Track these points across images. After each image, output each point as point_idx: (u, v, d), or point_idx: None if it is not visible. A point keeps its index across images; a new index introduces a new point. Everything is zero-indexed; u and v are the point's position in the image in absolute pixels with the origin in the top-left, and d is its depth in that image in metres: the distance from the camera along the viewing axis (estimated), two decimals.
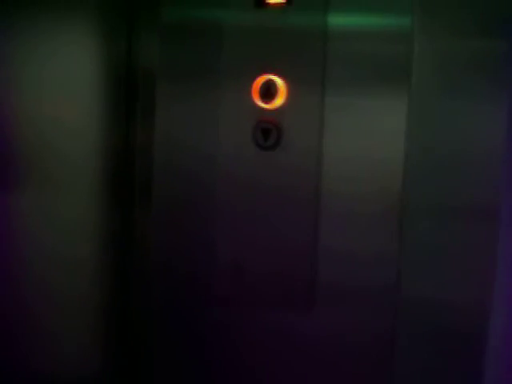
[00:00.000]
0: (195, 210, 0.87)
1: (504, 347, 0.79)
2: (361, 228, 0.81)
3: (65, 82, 0.84)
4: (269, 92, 0.83)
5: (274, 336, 0.85)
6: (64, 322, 0.87)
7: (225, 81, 0.85)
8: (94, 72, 0.85)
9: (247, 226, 0.85)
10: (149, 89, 0.86)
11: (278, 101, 0.83)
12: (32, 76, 0.82)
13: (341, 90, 0.81)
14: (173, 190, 0.87)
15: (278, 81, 0.83)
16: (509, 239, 0.77)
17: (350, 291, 0.82)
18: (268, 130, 0.83)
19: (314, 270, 0.83)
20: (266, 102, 0.83)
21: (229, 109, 0.85)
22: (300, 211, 0.83)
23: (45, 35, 0.82)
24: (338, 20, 0.81)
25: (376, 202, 0.81)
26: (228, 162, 0.85)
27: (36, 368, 0.86)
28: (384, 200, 0.80)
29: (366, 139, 0.81)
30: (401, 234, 0.80)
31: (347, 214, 0.82)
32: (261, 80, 0.83)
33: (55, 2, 0.82)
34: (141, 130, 0.87)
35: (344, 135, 0.81)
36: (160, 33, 0.86)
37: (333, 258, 0.83)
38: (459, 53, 0.77)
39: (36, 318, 0.86)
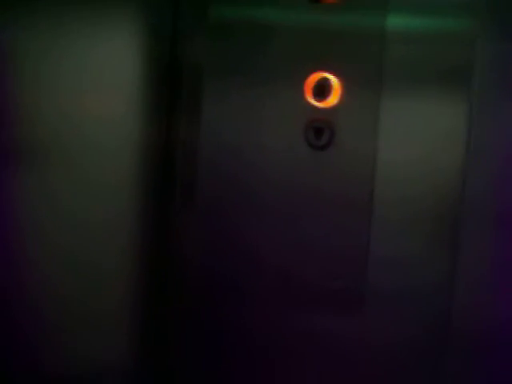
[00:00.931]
0: (241, 212, 0.83)
1: None
2: (413, 233, 0.80)
3: (105, 76, 0.81)
4: (322, 90, 0.80)
5: (322, 340, 0.83)
6: (98, 323, 0.82)
7: (276, 78, 0.81)
8: (136, 67, 0.81)
9: (296, 228, 0.82)
10: (194, 86, 0.82)
11: (332, 99, 0.80)
12: (72, 69, 0.80)
13: (398, 91, 0.79)
14: (217, 191, 0.83)
15: (333, 79, 0.80)
16: None
17: (400, 296, 0.81)
18: (320, 130, 0.81)
19: (364, 274, 0.81)
20: (320, 101, 0.80)
21: (280, 107, 0.81)
22: (351, 214, 0.81)
23: (88, 29, 0.79)
24: (398, 20, 0.79)
25: (430, 208, 0.79)
26: (277, 161, 0.82)
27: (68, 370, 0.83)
28: (439, 206, 0.79)
29: (423, 143, 0.79)
30: (455, 240, 0.79)
31: (400, 219, 0.80)
32: (314, 78, 0.80)
33: None
34: (185, 128, 0.83)
35: (399, 138, 0.80)
36: (208, 30, 0.82)
37: (384, 263, 0.80)
38: None
39: (67, 319, 0.83)
